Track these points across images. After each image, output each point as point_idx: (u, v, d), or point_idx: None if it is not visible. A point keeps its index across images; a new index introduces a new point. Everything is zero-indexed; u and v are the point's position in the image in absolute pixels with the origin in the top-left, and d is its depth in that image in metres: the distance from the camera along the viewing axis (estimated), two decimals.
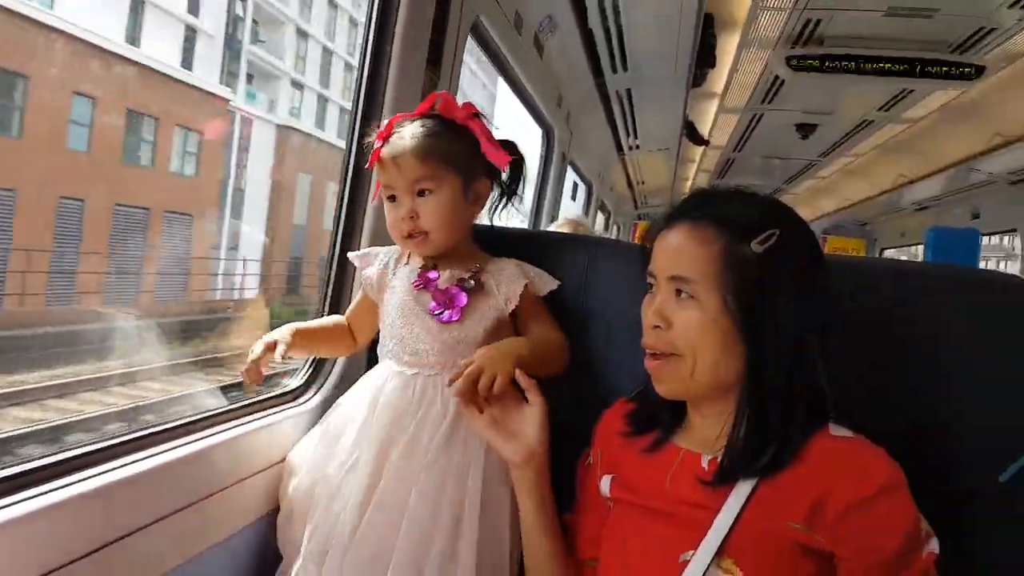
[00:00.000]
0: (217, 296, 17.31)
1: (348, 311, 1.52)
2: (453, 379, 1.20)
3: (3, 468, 0.98)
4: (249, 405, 1.48)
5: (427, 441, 1.29)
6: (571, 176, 4.89)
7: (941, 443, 1.19)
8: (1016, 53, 3.62)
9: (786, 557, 0.96)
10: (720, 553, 0.97)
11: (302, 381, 1.64)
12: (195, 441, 1.27)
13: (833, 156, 6.43)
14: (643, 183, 8.07)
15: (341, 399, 1.42)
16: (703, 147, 6.47)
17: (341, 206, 1.77)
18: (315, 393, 1.63)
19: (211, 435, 1.31)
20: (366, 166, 1.36)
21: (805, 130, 5.36)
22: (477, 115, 1.37)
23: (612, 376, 1.30)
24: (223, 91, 18.62)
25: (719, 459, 1.03)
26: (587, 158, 5.30)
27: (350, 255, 1.52)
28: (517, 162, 1.42)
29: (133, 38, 16.09)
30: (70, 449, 1.09)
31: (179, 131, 16.66)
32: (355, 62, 1.97)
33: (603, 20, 3.26)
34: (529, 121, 3.85)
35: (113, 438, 1.16)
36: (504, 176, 1.42)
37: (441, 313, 1.33)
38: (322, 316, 1.66)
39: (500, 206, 1.45)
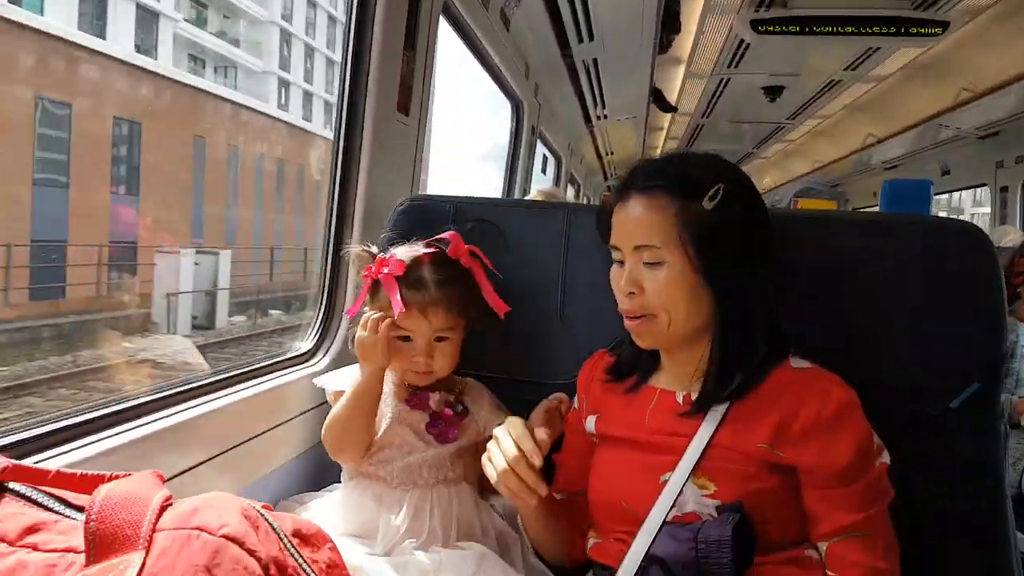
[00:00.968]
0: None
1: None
2: None
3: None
4: (268, 365, 1.64)
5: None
6: (540, 150, 4.87)
7: (899, 374, 1.33)
8: (980, 7, 3.62)
9: (753, 472, 1.09)
10: (695, 471, 1.10)
11: (312, 344, 1.81)
12: (232, 393, 1.46)
13: (801, 118, 6.44)
14: (612, 154, 8.06)
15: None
16: (671, 114, 6.46)
17: (332, 198, 1.89)
18: (324, 355, 1.81)
19: (242, 389, 1.50)
20: (396, 315, 1.35)
21: (772, 93, 5.36)
22: (475, 256, 1.47)
23: (594, 331, 1.38)
24: None
25: (691, 394, 1.18)
26: (556, 131, 5.31)
27: (318, 380, 1.52)
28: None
29: None
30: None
31: None
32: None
33: None
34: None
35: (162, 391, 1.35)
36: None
37: (439, 435, 1.42)
38: (321, 306, 1.84)
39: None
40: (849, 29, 3.79)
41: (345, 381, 1.44)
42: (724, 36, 4.25)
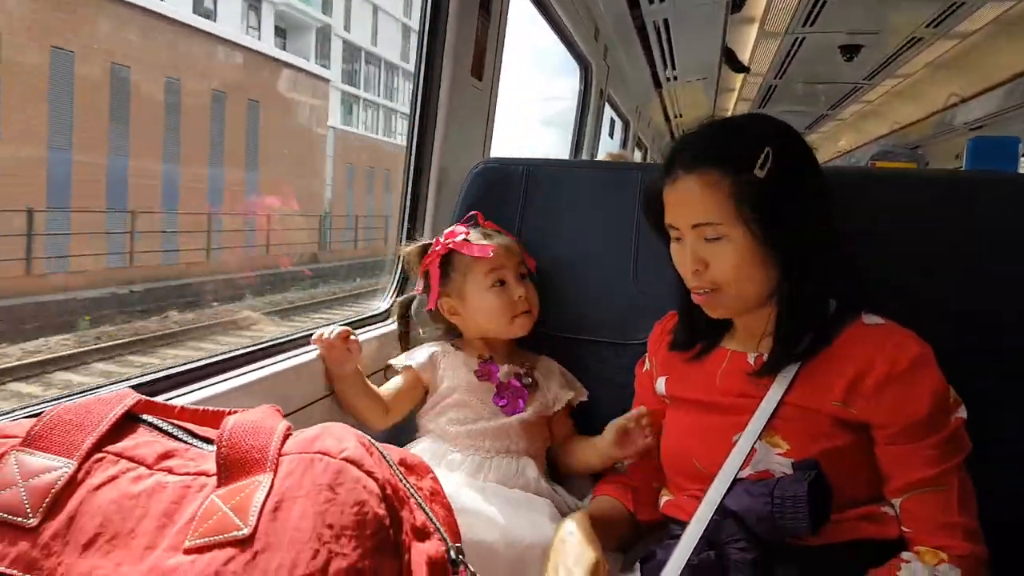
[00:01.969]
0: None
1: (388, 388, 1.53)
2: None
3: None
4: (352, 323, 1.67)
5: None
6: (608, 114, 4.84)
7: (982, 335, 1.30)
8: None
9: (825, 430, 1.10)
10: (767, 430, 1.11)
11: (388, 305, 1.88)
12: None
13: (880, 78, 6.21)
14: (681, 116, 7.92)
15: None
16: (743, 75, 6.32)
17: (408, 162, 1.97)
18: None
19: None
20: (487, 253, 1.48)
21: (850, 52, 5.19)
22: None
23: (667, 292, 1.36)
24: None
25: (762, 355, 1.19)
26: (624, 93, 5.27)
27: (392, 361, 1.58)
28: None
29: None
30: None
31: None
32: None
33: None
34: None
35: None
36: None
37: (506, 405, 1.47)
38: (393, 293, 1.92)
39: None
40: None
41: (412, 357, 1.54)
42: None
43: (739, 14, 4.33)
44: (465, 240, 1.50)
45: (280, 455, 0.63)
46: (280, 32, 23.47)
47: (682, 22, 4.14)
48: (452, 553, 0.65)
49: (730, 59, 5.29)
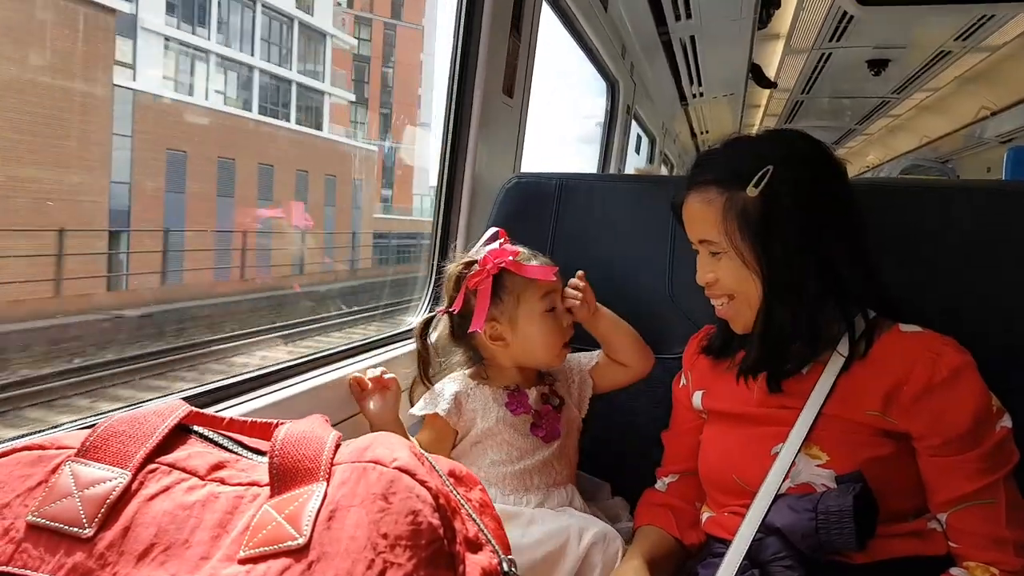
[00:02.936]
0: None
1: (419, 440, 1.44)
2: None
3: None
4: (383, 339, 1.72)
5: None
6: (634, 130, 4.85)
7: (1021, 341, 1.27)
8: None
9: (865, 440, 1.08)
10: (807, 441, 1.10)
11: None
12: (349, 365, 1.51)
13: (908, 92, 6.18)
14: (707, 132, 7.92)
15: None
16: (769, 91, 6.31)
17: (442, 177, 1.99)
18: (432, 332, 1.81)
19: (362, 360, 1.56)
20: (549, 276, 1.42)
21: (877, 66, 5.17)
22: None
23: (704, 306, 1.33)
24: None
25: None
26: (651, 110, 5.27)
27: (414, 410, 1.49)
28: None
29: None
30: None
31: None
32: None
33: None
34: None
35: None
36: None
37: (545, 434, 1.41)
38: (425, 310, 1.87)
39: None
40: None
41: (435, 403, 1.44)
42: (826, 9, 4.12)
43: (765, 30, 4.33)
44: (518, 260, 1.40)
45: (332, 464, 0.64)
46: None
47: (708, 39, 4.14)
48: (505, 566, 0.65)
49: (756, 75, 5.28)
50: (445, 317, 1.50)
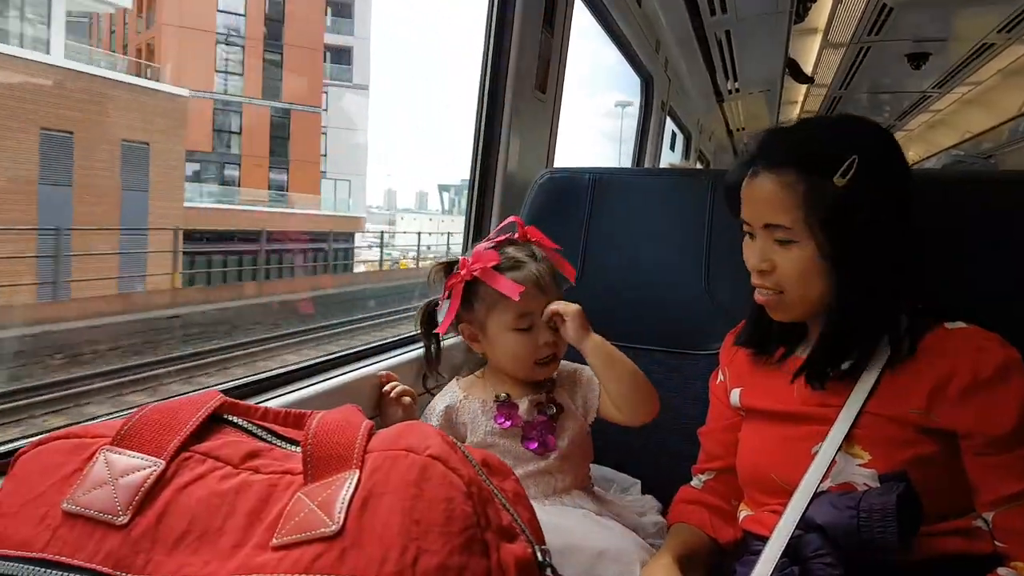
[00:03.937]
0: None
1: None
2: None
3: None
4: (402, 339, 1.72)
5: None
6: (668, 127, 4.82)
7: None
8: None
9: (908, 438, 1.05)
10: (848, 440, 1.07)
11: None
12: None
13: (949, 86, 6.07)
14: (743, 129, 7.85)
15: None
16: (807, 87, 6.24)
17: (475, 172, 2.00)
18: None
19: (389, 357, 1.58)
20: (514, 296, 1.29)
21: (917, 60, 5.08)
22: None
23: (742, 300, 1.31)
24: None
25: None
26: (685, 106, 5.25)
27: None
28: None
29: None
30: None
31: None
32: None
33: None
34: None
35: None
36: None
37: (537, 447, 1.32)
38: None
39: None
40: None
41: (427, 419, 1.41)
42: (865, 2, 4.07)
43: (802, 24, 4.27)
44: (496, 269, 1.31)
45: (366, 452, 0.63)
46: None
47: (744, 33, 4.10)
48: (539, 555, 0.64)
49: (793, 70, 5.22)
50: None
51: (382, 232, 25.37)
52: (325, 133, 25.66)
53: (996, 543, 1.03)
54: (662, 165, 4.62)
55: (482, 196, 1.98)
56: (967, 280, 1.25)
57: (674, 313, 1.56)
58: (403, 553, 0.56)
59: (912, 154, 9.80)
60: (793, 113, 7.94)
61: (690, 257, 1.57)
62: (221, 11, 21.19)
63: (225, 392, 1.06)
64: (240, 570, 0.58)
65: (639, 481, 1.51)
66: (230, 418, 0.73)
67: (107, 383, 7.59)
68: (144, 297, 12.71)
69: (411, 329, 1.49)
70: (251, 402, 1.07)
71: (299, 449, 0.66)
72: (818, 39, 4.88)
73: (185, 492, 0.64)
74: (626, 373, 1.33)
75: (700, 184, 1.60)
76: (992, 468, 1.02)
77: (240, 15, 21.71)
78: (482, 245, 1.36)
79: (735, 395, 1.30)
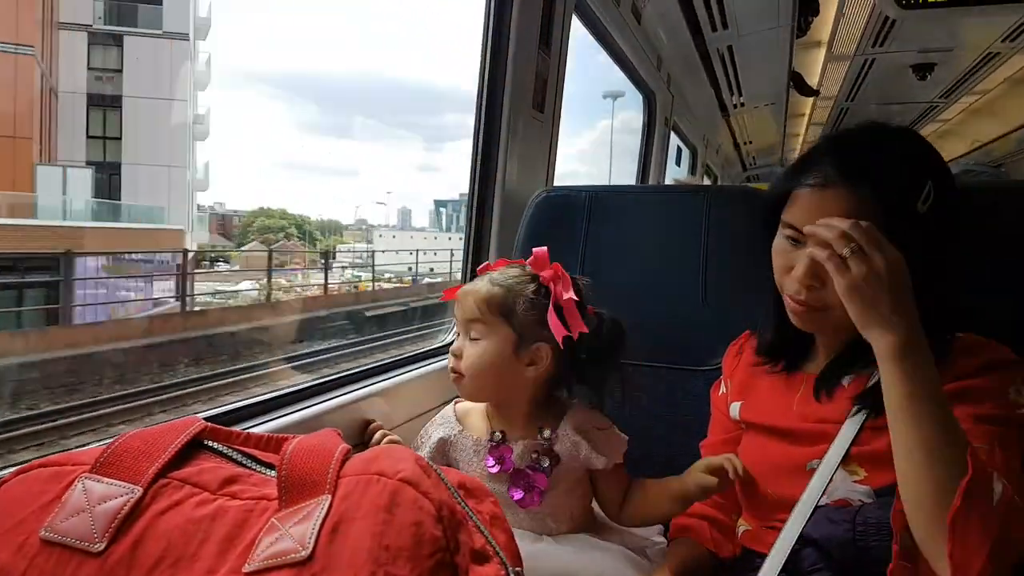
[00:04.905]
0: None
1: None
2: None
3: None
4: (416, 355, 1.75)
5: None
6: (674, 142, 4.82)
7: None
8: None
9: None
10: (845, 459, 1.04)
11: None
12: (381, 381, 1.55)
13: (956, 95, 6.06)
14: (750, 143, 7.86)
15: None
16: (813, 99, 6.24)
17: (473, 190, 2.00)
18: None
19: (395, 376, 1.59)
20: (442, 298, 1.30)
21: (923, 71, 5.09)
22: (573, 282, 1.28)
23: (740, 315, 1.31)
24: None
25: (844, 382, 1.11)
26: (690, 121, 5.26)
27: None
28: (593, 342, 1.28)
29: None
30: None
31: None
32: None
33: None
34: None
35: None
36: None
37: (522, 498, 1.25)
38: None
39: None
40: None
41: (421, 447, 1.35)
42: (867, 14, 4.08)
43: (805, 38, 4.28)
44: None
45: (339, 477, 0.63)
46: None
47: (746, 48, 4.12)
48: None
49: (798, 83, 5.23)
50: None
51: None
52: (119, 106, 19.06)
53: None
54: (668, 181, 4.62)
55: (481, 214, 1.98)
56: (980, 290, 1.23)
57: (673, 329, 1.56)
58: None
59: None
60: (801, 125, 7.95)
61: (688, 273, 1.57)
62: None
63: (210, 419, 1.07)
64: None
65: None
66: (210, 444, 0.73)
67: None
68: None
69: None
70: (240, 427, 1.09)
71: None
72: (822, 52, 4.89)
73: (162, 519, 0.64)
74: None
75: (696, 200, 1.60)
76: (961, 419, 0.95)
77: None
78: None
79: (735, 408, 1.29)
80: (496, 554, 0.64)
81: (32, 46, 14.89)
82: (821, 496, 1.05)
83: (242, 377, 9.03)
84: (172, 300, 13.02)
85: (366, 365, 1.57)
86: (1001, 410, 0.97)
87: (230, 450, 0.73)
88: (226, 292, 16.58)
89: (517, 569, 0.64)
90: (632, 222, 1.66)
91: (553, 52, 2.13)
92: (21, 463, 0.73)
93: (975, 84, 5.64)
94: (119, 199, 18.21)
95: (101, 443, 0.93)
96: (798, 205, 1.09)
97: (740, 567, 1.21)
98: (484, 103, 1.98)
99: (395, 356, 1.72)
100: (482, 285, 1.27)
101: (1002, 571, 0.83)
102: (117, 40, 19.34)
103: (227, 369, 9.68)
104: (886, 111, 6.90)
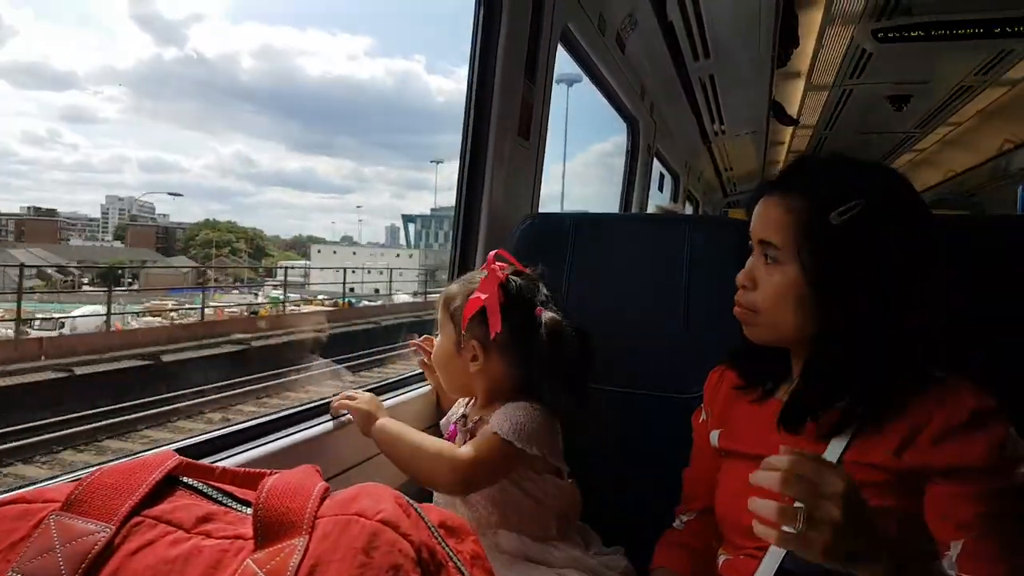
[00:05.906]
0: None
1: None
2: None
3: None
4: (396, 381, 1.74)
5: None
6: (657, 168, 4.85)
7: None
8: None
9: (881, 483, 1.02)
10: None
11: None
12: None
13: (931, 126, 6.17)
14: (731, 170, 7.93)
15: None
16: (792, 128, 6.32)
17: (459, 216, 2.01)
18: None
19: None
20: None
21: (899, 102, 5.18)
22: (508, 280, 1.37)
23: (722, 342, 1.30)
24: None
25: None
26: (672, 148, 5.29)
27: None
28: (542, 346, 1.34)
29: None
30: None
31: None
32: None
33: (683, 10, 3.24)
34: None
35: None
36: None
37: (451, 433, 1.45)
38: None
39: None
40: (978, 32, 3.60)
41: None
42: (845, 47, 4.15)
43: (785, 68, 4.34)
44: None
45: (317, 517, 0.62)
46: None
47: (727, 78, 4.16)
48: None
49: (778, 112, 5.30)
50: None
51: None
52: None
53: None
54: (651, 208, 4.64)
55: (467, 235, 1.99)
56: (961, 326, 1.24)
57: (655, 356, 1.56)
58: None
59: None
60: (781, 153, 8.05)
61: (671, 300, 1.58)
62: None
63: (184, 450, 1.05)
64: None
65: (598, 536, 1.45)
66: (186, 480, 0.71)
67: None
68: None
69: None
70: (211, 460, 1.06)
71: None
72: (802, 82, 4.96)
73: (134, 559, 0.62)
74: (401, 457, 1.33)
75: (679, 230, 1.61)
76: (959, 497, 0.99)
77: None
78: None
79: (714, 436, 1.29)
80: None
81: None
82: None
83: None
84: None
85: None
86: (995, 480, 0.98)
87: (205, 486, 0.71)
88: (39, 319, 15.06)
89: None
90: (616, 249, 1.67)
91: (538, 81, 2.15)
92: None
93: (949, 115, 5.74)
94: None
95: (75, 476, 0.92)
96: (753, 216, 1.17)
97: None
98: (471, 128, 1.99)
99: (380, 380, 1.71)
100: (450, 286, 1.45)
101: None
102: None
103: None
104: (864, 140, 7.00)
